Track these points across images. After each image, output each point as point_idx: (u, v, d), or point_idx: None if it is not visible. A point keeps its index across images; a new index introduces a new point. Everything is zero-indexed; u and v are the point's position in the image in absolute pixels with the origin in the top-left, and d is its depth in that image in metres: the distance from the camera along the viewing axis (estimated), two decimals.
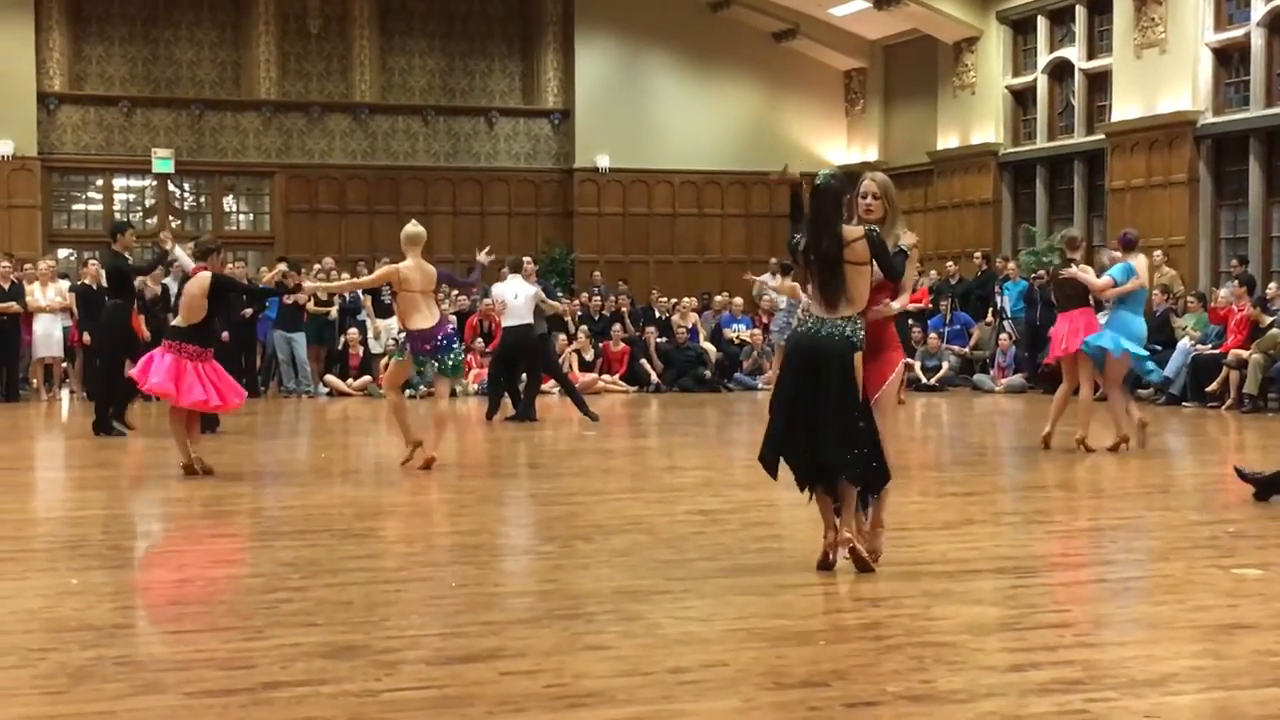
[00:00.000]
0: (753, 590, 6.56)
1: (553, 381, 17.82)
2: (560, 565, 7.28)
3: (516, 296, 15.54)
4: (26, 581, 6.86)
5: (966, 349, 21.84)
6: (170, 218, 25.09)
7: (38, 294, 19.53)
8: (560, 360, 18.76)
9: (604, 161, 26.77)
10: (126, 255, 14.52)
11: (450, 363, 11.30)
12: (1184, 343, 18.02)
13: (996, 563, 7.24)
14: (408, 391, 19.04)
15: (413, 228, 11.45)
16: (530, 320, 15.67)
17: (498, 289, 15.84)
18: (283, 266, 19.55)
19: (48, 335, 19.52)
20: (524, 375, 16.25)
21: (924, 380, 20.85)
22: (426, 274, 11.25)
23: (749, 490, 10.28)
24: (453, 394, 19.80)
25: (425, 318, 11.21)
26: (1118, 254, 12.57)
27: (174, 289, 19.52)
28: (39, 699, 4.85)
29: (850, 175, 7.55)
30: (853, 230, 6.72)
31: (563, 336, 20.78)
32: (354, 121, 26.02)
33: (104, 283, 14.36)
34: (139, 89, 25.13)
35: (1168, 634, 5.76)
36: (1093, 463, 11.76)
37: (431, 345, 11.16)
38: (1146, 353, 12.51)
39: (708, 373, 21.45)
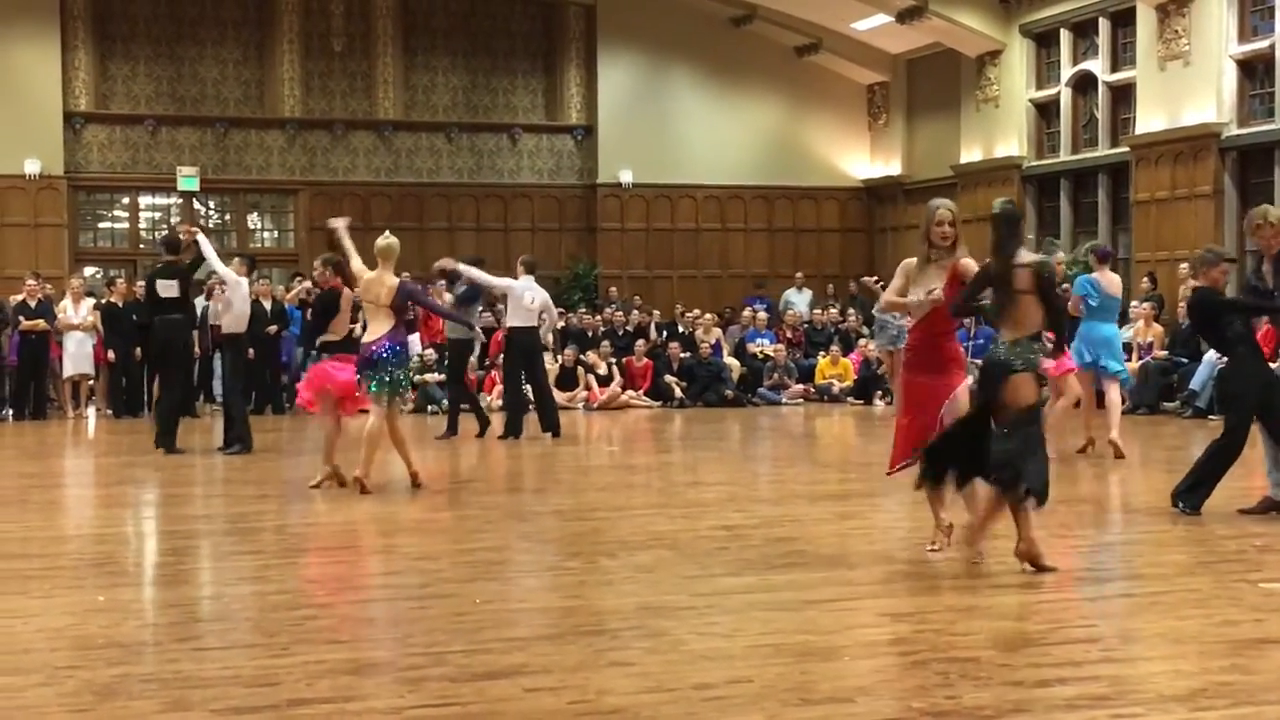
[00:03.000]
0: (777, 606, 6.55)
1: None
2: (584, 581, 7.28)
3: (532, 299, 15.59)
4: (53, 599, 6.89)
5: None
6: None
7: (70, 311, 19.62)
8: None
9: (627, 177, 26.80)
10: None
11: (380, 379, 10.81)
12: (1210, 355, 17.91)
13: (1022, 577, 7.21)
14: (430, 407, 19.23)
15: (384, 240, 11.09)
16: (536, 324, 15.73)
17: (515, 285, 15.69)
18: (306, 284, 19.67)
19: (78, 353, 19.58)
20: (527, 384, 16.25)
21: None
22: (388, 288, 10.91)
23: (773, 505, 10.28)
24: (476, 411, 19.84)
25: (373, 331, 10.95)
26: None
27: (200, 307, 19.69)
28: (66, 717, 4.87)
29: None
30: (1027, 257, 7.28)
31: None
32: (378, 139, 26.11)
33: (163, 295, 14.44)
34: (164, 108, 25.26)
35: (1195, 649, 5.73)
36: (1119, 476, 11.71)
37: (364, 358, 10.86)
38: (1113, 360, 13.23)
39: (729, 392, 21.39)
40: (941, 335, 7.76)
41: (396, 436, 11.10)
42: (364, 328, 11.68)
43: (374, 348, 10.84)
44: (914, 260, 7.75)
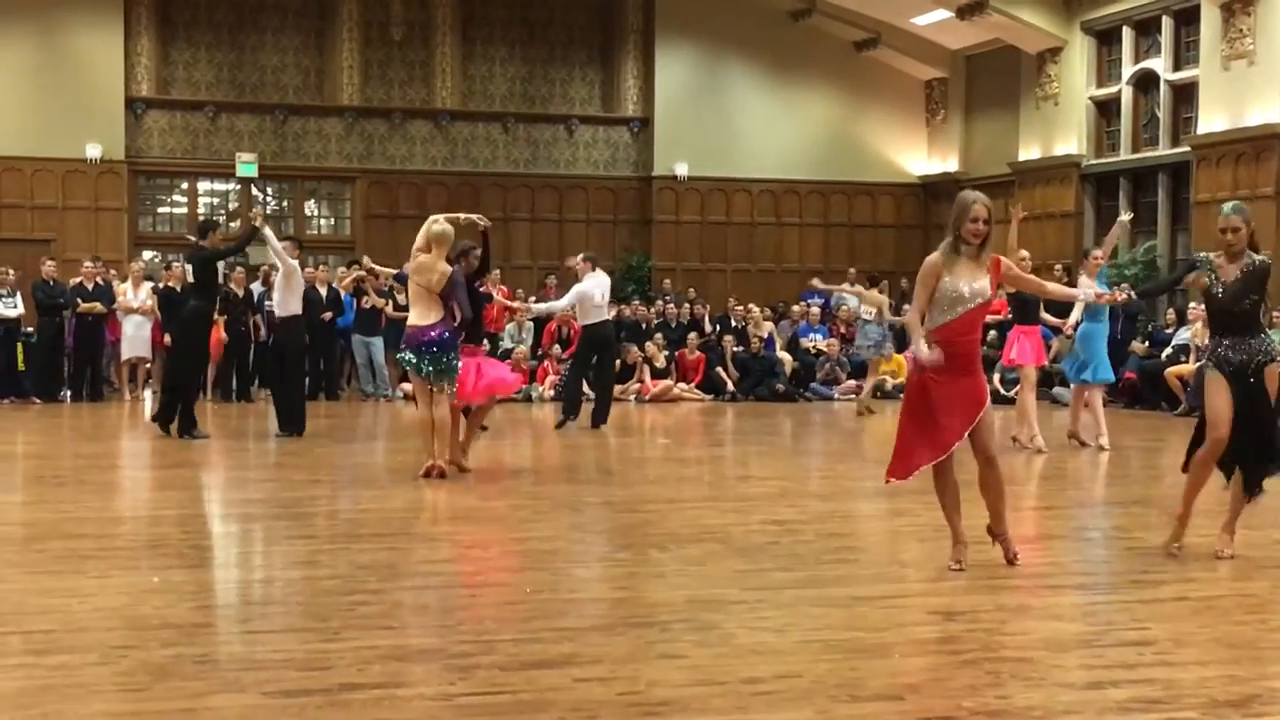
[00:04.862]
0: (827, 601, 6.53)
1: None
2: (635, 573, 7.29)
3: (602, 295, 15.80)
4: (108, 580, 6.97)
5: (1045, 362, 21.57)
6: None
7: (129, 294, 19.80)
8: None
9: (682, 169, 26.77)
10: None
11: (431, 367, 10.85)
12: None
13: (1075, 578, 7.17)
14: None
15: (439, 227, 11.03)
16: (608, 317, 16.23)
17: (583, 287, 15.75)
18: (360, 271, 19.75)
19: (136, 336, 19.75)
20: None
21: (1003, 392, 20.66)
22: (439, 273, 10.88)
23: (824, 501, 10.25)
24: (528, 399, 19.92)
25: (423, 315, 10.93)
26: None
27: (257, 292, 19.85)
28: (120, 696, 4.92)
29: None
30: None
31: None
32: (435, 128, 26.20)
33: (189, 279, 14.44)
34: (224, 94, 25.45)
35: (1250, 654, 5.67)
36: (1174, 479, 11.58)
37: (417, 343, 10.85)
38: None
39: (780, 386, 21.33)
40: (972, 335, 7.21)
41: (442, 421, 11.10)
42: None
43: (429, 334, 10.85)
44: (938, 256, 7.20)
